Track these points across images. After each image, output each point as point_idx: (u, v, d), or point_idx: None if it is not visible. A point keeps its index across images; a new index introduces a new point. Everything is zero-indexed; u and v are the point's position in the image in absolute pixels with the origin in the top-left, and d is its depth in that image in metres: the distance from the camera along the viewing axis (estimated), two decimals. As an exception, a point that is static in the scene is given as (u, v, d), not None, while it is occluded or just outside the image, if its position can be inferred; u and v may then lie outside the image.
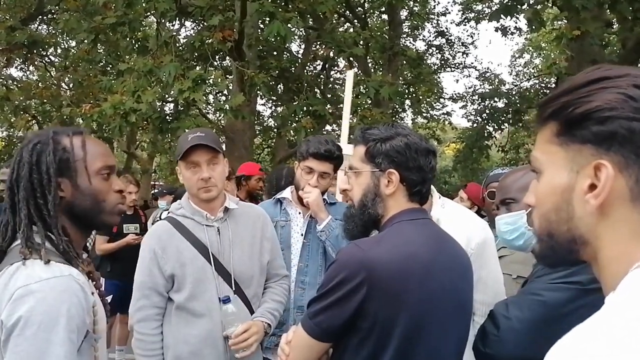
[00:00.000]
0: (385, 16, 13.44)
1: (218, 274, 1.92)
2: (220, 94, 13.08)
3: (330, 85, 13.67)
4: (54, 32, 11.70)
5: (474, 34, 15.62)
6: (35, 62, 12.44)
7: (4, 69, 12.03)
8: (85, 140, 1.27)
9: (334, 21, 11.64)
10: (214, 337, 1.88)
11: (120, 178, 4.76)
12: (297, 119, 9.15)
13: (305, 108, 8.69)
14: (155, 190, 7.51)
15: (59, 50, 13.20)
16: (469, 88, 16.26)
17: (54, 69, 13.56)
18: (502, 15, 7.75)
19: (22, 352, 1.05)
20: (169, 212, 2.10)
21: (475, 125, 14.06)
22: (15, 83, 12.62)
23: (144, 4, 6.71)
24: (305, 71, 11.70)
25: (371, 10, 13.59)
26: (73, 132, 1.27)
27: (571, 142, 0.66)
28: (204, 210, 1.98)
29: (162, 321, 1.94)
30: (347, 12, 11.94)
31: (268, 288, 2.11)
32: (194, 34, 9.53)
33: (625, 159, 0.61)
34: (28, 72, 14.20)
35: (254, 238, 2.04)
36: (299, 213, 2.43)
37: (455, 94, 16.01)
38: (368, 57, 12.05)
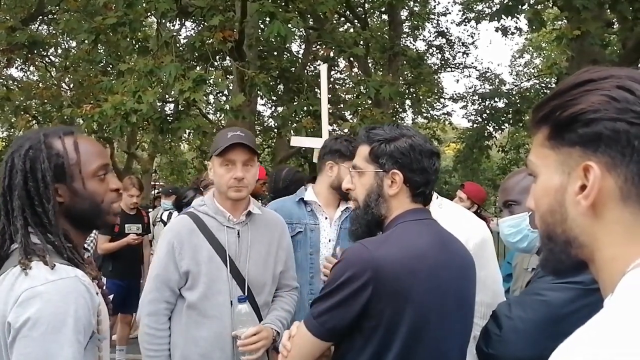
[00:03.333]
0: (385, 16, 13.45)
1: (232, 277, 1.90)
2: (220, 94, 13.10)
3: (331, 86, 13.68)
4: (54, 32, 11.68)
5: (474, 34, 15.50)
6: (36, 63, 12.42)
7: (5, 69, 12.01)
8: (78, 141, 1.24)
9: (334, 21, 11.64)
10: (223, 340, 1.88)
11: (125, 180, 4.78)
12: (297, 119, 9.15)
13: (305, 108, 8.69)
14: (159, 190, 7.51)
15: (59, 51, 13.20)
16: (469, 88, 16.28)
17: (54, 69, 13.55)
18: (502, 15, 7.75)
19: (30, 354, 1.04)
20: (189, 208, 2.07)
21: (475, 125, 14.07)
22: (15, 83, 12.61)
23: (144, 4, 6.70)
24: (305, 71, 11.69)
25: (371, 10, 13.59)
26: (64, 133, 1.24)
27: (561, 145, 0.67)
28: (227, 211, 1.96)
29: (170, 316, 1.93)
30: (348, 12, 11.95)
31: (278, 297, 2.10)
32: (194, 34, 9.52)
33: (612, 159, 0.62)
34: (28, 73, 14.20)
35: (270, 246, 2.03)
36: (326, 218, 2.39)
37: (455, 94, 16.02)
38: (368, 57, 12.05)
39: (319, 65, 12.65)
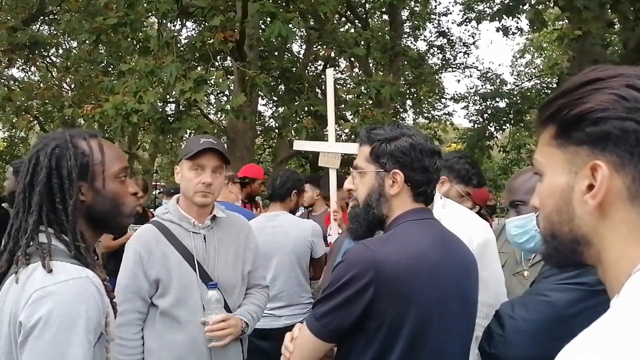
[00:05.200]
0: (386, 16, 13.43)
1: (202, 281, 1.92)
2: (221, 94, 13.10)
3: (332, 86, 13.61)
4: (55, 32, 11.69)
5: (475, 34, 15.48)
6: (37, 63, 12.40)
7: (6, 69, 12.00)
8: (102, 143, 1.28)
9: (335, 21, 11.64)
10: (199, 344, 1.89)
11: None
12: (298, 119, 9.15)
13: (306, 108, 8.68)
14: (160, 190, 7.52)
15: (60, 51, 13.19)
16: (471, 88, 16.25)
17: (55, 69, 13.54)
18: (503, 15, 7.75)
19: (42, 354, 1.05)
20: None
21: (476, 125, 14.04)
22: (16, 84, 12.59)
23: (145, 5, 6.69)
24: (306, 71, 11.69)
25: (372, 11, 13.57)
26: (89, 135, 1.28)
27: (568, 144, 0.67)
28: (192, 216, 1.97)
29: (142, 326, 1.93)
30: (348, 12, 11.94)
31: (248, 294, 2.13)
32: (195, 35, 9.52)
33: (620, 159, 0.62)
34: (30, 73, 14.19)
35: (237, 248, 2.06)
36: None
37: (456, 94, 16.00)
38: (369, 58, 12.03)
39: (319, 65, 12.68)
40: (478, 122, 13.86)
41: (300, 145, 4.26)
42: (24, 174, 1.21)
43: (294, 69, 11.21)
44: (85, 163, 1.22)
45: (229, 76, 10.60)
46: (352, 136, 8.01)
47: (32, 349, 1.05)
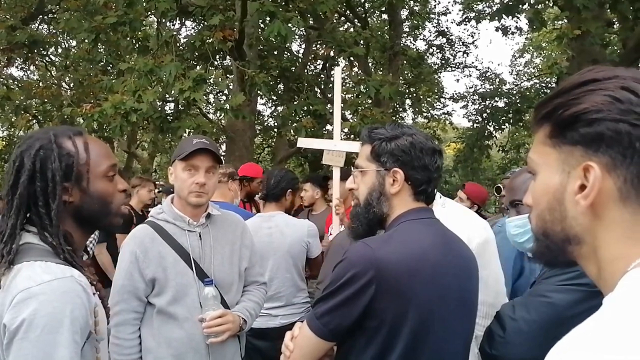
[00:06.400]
0: (385, 16, 13.43)
1: (199, 279, 1.93)
2: (220, 93, 13.09)
3: (331, 85, 13.61)
4: (54, 31, 11.68)
5: (474, 33, 15.54)
6: (36, 62, 12.39)
7: (5, 68, 12.00)
8: (88, 142, 1.25)
9: (335, 21, 11.63)
10: (197, 341, 1.90)
11: (134, 180, 4.85)
12: (297, 118, 9.14)
13: (305, 108, 8.68)
14: (159, 189, 7.48)
15: (59, 50, 13.17)
16: (470, 88, 16.25)
17: (54, 68, 13.53)
18: (503, 15, 7.76)
19: (27, 355, 1.04)
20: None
21: (475, 125, 14.05)
22: (15, 83, 12.58)
23: (144, 4, 6.68)
24: (305, 71, 11.68)
25: (372, 10, 13.58)
26: (74, 134, 1.24)
27: (563, 143, 0.67)
28: (187, 215, 1.98)
29: (139, 325, 1.94)
30: (348, 11, 11.93)
31: (246, 291, 2.14)
32: (194, 34, 9.51)
33: (613, 160, 0.62)
34: (29, 72, 14.18)
35: (233, 245, 2.07)
36: None
37: (455, 94, 16.01)
38: (368, 57, 12.03)
39: (319, 64, 12.67)
40: (477, 121, 13.89)
41: (304, 142, 4.17)
42: (8, 176, 1.19)
43: (293, 68, 11.20)
44: (71, 164, 1.19)
45: (228, 75, 10.60)
46: (351, 135, 8.01)
47: (17, 351, 1.04)
